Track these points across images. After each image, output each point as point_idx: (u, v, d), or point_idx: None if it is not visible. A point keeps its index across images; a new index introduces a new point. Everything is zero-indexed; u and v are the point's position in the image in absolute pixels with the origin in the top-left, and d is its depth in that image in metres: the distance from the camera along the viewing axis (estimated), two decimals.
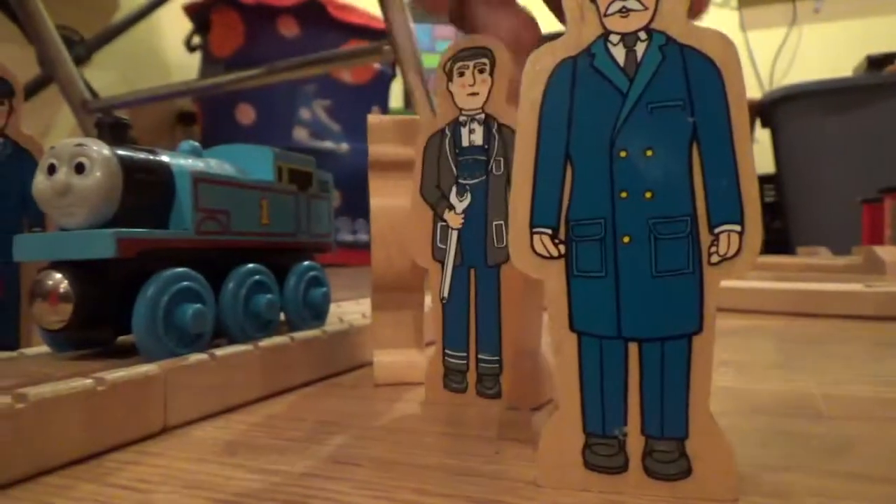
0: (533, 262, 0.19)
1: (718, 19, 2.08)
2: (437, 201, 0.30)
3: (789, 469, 0.20)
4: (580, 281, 0.19)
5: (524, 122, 0.19)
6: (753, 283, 0.64)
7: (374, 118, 0.34)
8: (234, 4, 1.48)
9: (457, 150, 0.29)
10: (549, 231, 0.19)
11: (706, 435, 0.18)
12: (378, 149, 0.34)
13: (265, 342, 0.32)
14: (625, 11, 0.19)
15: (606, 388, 0.19)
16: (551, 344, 0.19)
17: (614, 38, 0.19)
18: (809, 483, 0.19)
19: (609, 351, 0.19)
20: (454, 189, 0.29)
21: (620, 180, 0.19)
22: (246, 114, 1.50)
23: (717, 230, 0.18)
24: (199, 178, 0.31)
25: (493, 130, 0.28)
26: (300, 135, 1.50)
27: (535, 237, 0.19)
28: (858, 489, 0.18)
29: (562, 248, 0.19)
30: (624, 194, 0.19)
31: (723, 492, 0.18)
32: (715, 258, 0.18)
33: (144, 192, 0.29)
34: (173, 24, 1.70)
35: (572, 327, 0.19)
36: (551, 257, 0.19)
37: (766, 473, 0.20)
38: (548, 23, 0.27)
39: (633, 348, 0.19)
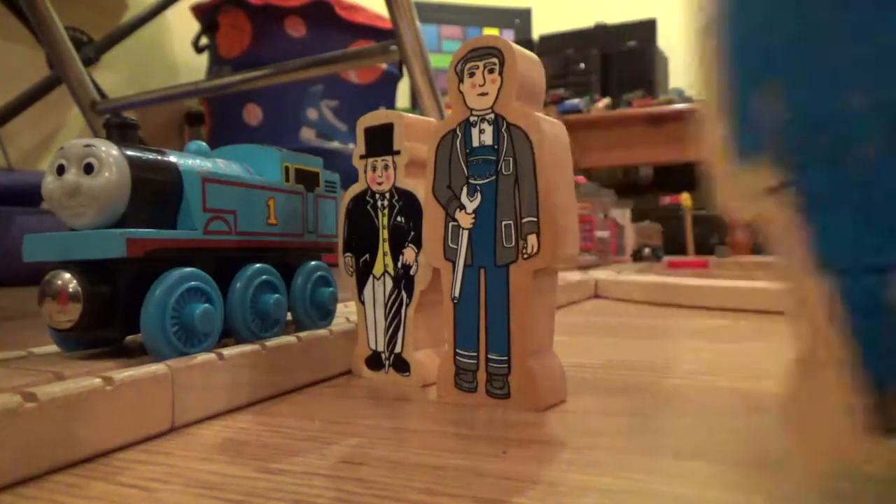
0: None
1: None
2: (448, 201, 0.30)
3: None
4: None
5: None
6: (762, 283, 0.64)
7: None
8: (241, 5, 1.49)
9: (467, 150, 0.29)
10: None
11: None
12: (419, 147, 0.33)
13: (272, 342, 0.32)
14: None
15: None
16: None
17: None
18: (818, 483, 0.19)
19: None
20: (465, 189, 0.29)
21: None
22: (253, 114, 1.50)
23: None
24: (207, 179, 0.31)
25: (503, 130, 0.28)
26: (307, 135, 1.50)
27: None
28: (869, 489, 0.18)
29: None
30: None
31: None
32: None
33: (153, 192, 0.29)
34: (181, 25, 1.71)
35: None
36: None
37: (774, 474, 0.20)
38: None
39: None
